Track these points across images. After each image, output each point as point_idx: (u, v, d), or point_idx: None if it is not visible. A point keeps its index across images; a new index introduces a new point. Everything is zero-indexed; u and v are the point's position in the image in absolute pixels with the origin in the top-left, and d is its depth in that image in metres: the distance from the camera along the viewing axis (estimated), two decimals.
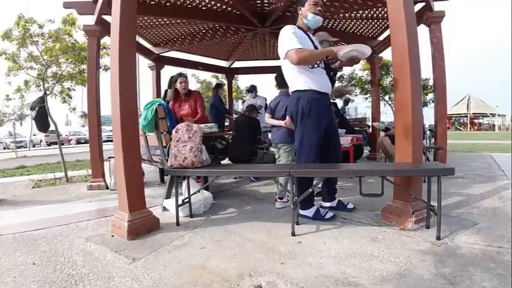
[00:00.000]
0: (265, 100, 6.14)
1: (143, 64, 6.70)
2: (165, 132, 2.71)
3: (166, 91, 3.93)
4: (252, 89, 6.05)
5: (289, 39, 2.23)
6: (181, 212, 2.45)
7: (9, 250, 1.96)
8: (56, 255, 1.86)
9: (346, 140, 3.87)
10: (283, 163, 3.02)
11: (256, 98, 6.05)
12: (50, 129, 5.03)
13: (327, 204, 2.58)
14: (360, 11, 4.67)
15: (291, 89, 2.44)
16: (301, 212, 2.36)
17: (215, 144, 3.12)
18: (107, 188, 3.83)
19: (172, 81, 3.61)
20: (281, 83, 3.30)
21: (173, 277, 1.54)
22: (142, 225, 2.15)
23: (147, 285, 1.48)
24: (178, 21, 4.87)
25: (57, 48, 4.47)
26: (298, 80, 2.33)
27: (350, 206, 2.56)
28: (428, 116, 6.04)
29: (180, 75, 3.61)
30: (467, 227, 2.07)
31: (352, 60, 2.30)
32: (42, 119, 4.62)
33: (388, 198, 2.29)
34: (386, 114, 9.32)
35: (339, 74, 7.69)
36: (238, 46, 6.44)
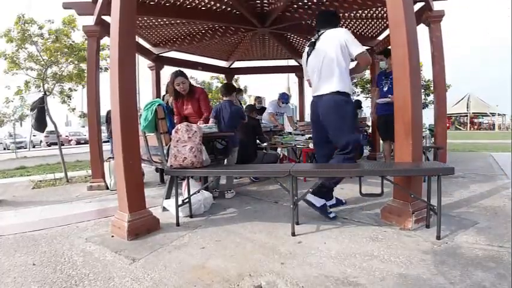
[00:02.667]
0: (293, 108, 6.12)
1: (143, 64, 6.70)
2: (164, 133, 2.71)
3: (163, 96, 3.84)
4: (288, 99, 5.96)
5: (358, 42, 2.32)
6: (181, 212, 2.45)
7: (9, 251, 1.96)
8: (56, 255, 1.86)
9: None
10: None
11: (285, 108, 5.97)
12: (50, 129, 5.04)
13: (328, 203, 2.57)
14: (360, 11, 4.67)
15: (334, 88, 2.32)
16: (310, 197, 2.28)
17: (215, 144, 3.12)
18: (107, 188, 3.83)
19: (169, 84, 3.34)
20: (226, 92, 3.59)
21: (173, 277, 1.54)
22: (142, 226, 2.15)
23: (147, 285, 1.48)
24: (178, 21, 4.87)
25: (55, 47, 4.47)
26: (347, 83, 2.37)
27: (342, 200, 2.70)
28: (429, 116, 6.05)
29: (177, 75, 3.18)
30: (468, 226, 2.07)
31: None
32: (40, 119, 4.63)
33: (388, 198, 2.29)
34: None
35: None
36: (238, 46, 6.44)
